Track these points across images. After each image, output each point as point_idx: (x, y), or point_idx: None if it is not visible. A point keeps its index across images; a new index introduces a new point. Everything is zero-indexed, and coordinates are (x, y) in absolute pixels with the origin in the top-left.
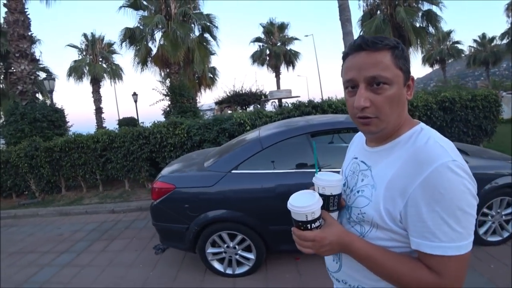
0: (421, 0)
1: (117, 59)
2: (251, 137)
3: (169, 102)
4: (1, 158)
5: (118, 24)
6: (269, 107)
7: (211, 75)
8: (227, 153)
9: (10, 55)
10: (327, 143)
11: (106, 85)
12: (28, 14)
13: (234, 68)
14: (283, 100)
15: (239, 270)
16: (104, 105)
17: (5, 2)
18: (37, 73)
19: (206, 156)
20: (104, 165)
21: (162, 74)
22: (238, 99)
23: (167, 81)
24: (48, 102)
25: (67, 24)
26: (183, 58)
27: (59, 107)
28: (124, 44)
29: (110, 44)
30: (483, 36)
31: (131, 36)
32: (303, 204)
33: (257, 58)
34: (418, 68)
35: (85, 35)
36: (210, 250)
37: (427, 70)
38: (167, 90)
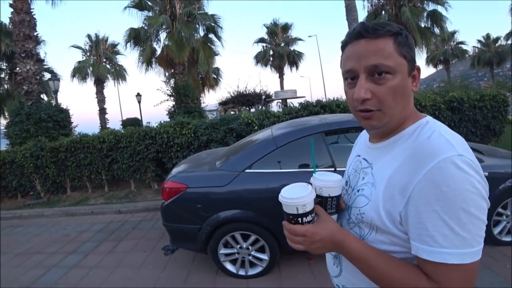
0: (426, 0)
1: (120, 60)
2: (263, 136)
3: (174, 103)
4: (7, 158)
5: (122, 25)
6: (275, 107)
7: (215, 76)
8: (239, 152)
9: (16, 55)
10: (342, 142)
11: (110, 86)
12: (34, 15)
13: (238, 69)
14: (288, 100)
15: (252, 271)
16: (108, 106)
17: (11, 2)
18: (42, 73)
19: (217, 155)
20: (110, 165)
21: (167, 74)
22: (242, 99)
23: (171, 82)
24: (53, 102)
25: (71, 25)
26: (188, 58)
27: (64, 107)
28: (128, 44)
29: (114, 45)
30: (487, 36)
31: (136, 37)
32: (294, 195)
33: (261, 58)
34: (422, 69)
35: (89, 36)
36: (222, 251)
37: (429, 71)
38: (171, 91)
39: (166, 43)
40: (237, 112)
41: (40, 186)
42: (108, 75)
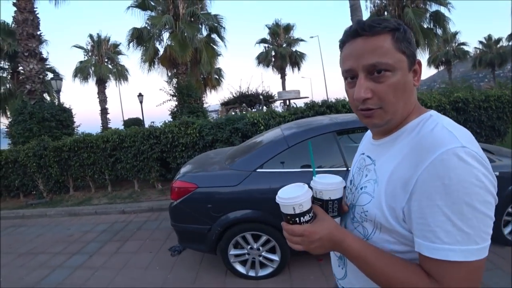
0: (428, 1)
1: (122, 60)
2: (274, 136)
3: (177, 103)
4: (10, 158)
5: (123, 25)
6: (278, 107)
7: (217, 76)
8: (249, 152)
9: (19, 54)
10: (354, 141)
11: (111, 86)
12: (37, 14)
13: (239, 69)
14: (291, 101)
15: (262, 272)
16: (109, 106)
17: (14, 1)
18: (45, 72)
19: (226, 155)
20: (114, 165)
21: (169, 74)
22: (244, 100)
23: (173, 81)
24: (55, 102)
25: (72, 25)
26: (191, 58)
27: (67, 107)
28: (131, 44)
29: (115, 45)
30: (489, 37)
31: (138, 37)
32: (290, 195)
33: (263, 59)
34: (423, 70)
35: (91, 36)
36: (232, 251)
37: (430, 72)
38: (174, 91)
39: (169, 43)
40: (238, 112)
41: (42, 186)
42: (110, 75)
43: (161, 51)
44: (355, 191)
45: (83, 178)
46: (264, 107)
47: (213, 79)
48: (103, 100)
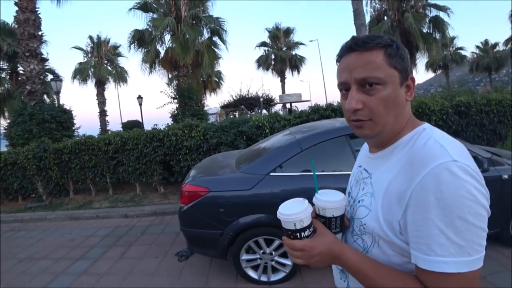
0: (428, 6)
1: (122, 62)
2: (285, 139)
3: (177, 105)
4: (8, 160)
5: (123, 27)
6: (281, 111)
7: (216, 79)
8: (261, 155)
9: (20, 54)
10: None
11: (110, 88)
12: (39, 14)
13: (239, 72)
14: (291, 104)
15: (274, 277)
16: (108, 107)
17: (16, 1)
18: (46, 73)
19: (236, 158)
20: (115, 168)
21: (170, 76)
22: (245, 103)
23: (173, 83)
24: (55, 103)
25: (72, 26)
26: (192, 61)
27: (67, 108)
28: (132, 46)
29: (115, 47)
30: (486, 42)
31: (140, 38)
32: (291, 211)
33: (263, 62)
34: (421, 73)
35: (90, 37)
36: (244, 256)
37: (427, 76)
38: (175, 93)
39: (171, 45)
40: (237, 115)
41: (42, 189)
42: (109, 77)
43: (162, 53)
44: (354, 204)
45: (84, 181)
46: (264, 111)
47: (213, 82)
48: (102, 102)
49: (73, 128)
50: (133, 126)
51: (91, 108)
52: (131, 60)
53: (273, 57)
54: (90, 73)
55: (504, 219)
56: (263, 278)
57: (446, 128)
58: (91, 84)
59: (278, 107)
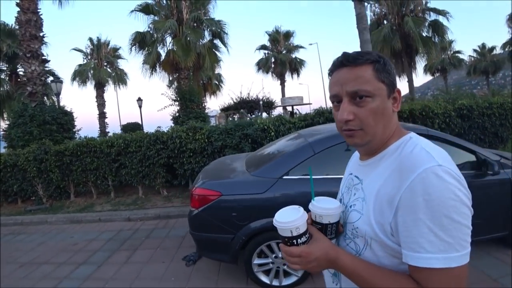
0: (427, 10)
1: (122, 64)
2: (297, 143)
3: (178, 108)
4: (8, 161)
5: (123, 29)
6: (279, 114)
7: (216, 82)
8: (273, 159)
9: (21, 56)
10: None
11: (110, 90)
12: (41, 15)
13: (239, 75)
14: (290, 107)
15: (286, 282)
16: (107, 110)
17: (18, 1)
18: (47, 74)
19: (246, 161)
20: (118, 171)
21: (171, 79)
22: (245, 106)
23: (174, 85)
24: (55, 105)
25: (71, 28)
26: (193, 63)
27: (68, 110)
28: (133, 48)
29: (115, 49)
30: (483, 46)
31: (141, 40)
32: (287, 219)
33: (263, 65)
34: (420, 76)
35: (90, 39)
36: (256, 261)
37: (424, 79)
38: (176, 96)
39: (172, 47)
40: (236, 118)
41: (42, 191)
42: (109, 79)
43: (163, 55)
44: (345, 210)
45: (85, 183)
46: (264, 113)
47: (213, 85)
48: (101, 104)
49: (74, 130)
50: (132, 128)
51: (91, 110)
52: (131, 62)
53: (273, 60)
54: (90, 75)
55: None
56: (275, 283)
57: (449, 131)
58: (90, 86)
59: (278, 110)
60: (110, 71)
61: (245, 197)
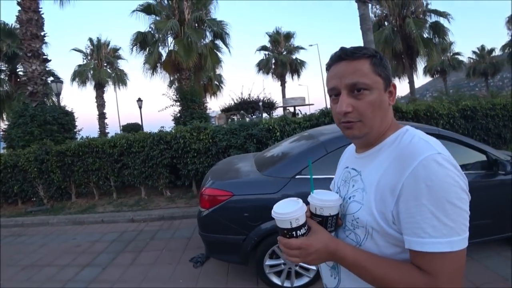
0: (428, 12)
1: (121, 64)
2: (309, 142)
3: (180, 108)
4: (9, 162)
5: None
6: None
7: (217, 83)
8: (284, 158)
9: (21, 55)
10: None
11: (110, 90)
12: (42, 14)
13: (239, 76)
14: (293, 108)
15: (297, 283)
16: (107, 110)
17: (19, 0)
18: (47, 74)
19: (255, 161)
20: (120, 171)
21: (171, 79)
22: (246, 106)
23: (174, 86)
24: (56, 105)
25: (71, 28)
26: (195, 64)
27: (69, 110)
28: (134, 48)
29: (115, 50)
30: (482, 48)
31: (142, 41)
32: (286, 210)
33: (263, 66)
34: (419, 78)
35: (90, 40)
36: (268, 262)
37: (423, 81)
38: (178, 96)
39: (173, 48)
40: (236, 119)
41: (43, 192)
42: (109, 80)
43: (164, 55)
44: (343, 202)
45: (87, 184)
46: (265, 114)
47: (214, 85)
48: (101, 104)
49: (75, 130)
50: (132, 129)
51: (90, 111)
52: (131, 62)
53: (273, 61)
54: (90, 76)
55: None
56: (287, 284)
57: (453, 132)
58: (90, 87)
59: (278, 111)
60: (110, 71)
61: (258, 197)
